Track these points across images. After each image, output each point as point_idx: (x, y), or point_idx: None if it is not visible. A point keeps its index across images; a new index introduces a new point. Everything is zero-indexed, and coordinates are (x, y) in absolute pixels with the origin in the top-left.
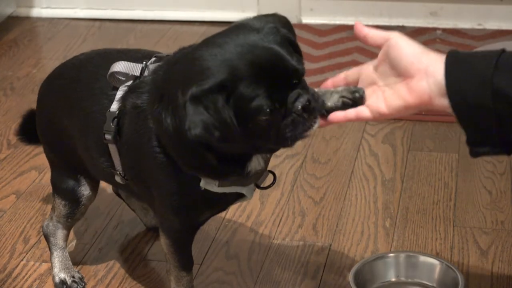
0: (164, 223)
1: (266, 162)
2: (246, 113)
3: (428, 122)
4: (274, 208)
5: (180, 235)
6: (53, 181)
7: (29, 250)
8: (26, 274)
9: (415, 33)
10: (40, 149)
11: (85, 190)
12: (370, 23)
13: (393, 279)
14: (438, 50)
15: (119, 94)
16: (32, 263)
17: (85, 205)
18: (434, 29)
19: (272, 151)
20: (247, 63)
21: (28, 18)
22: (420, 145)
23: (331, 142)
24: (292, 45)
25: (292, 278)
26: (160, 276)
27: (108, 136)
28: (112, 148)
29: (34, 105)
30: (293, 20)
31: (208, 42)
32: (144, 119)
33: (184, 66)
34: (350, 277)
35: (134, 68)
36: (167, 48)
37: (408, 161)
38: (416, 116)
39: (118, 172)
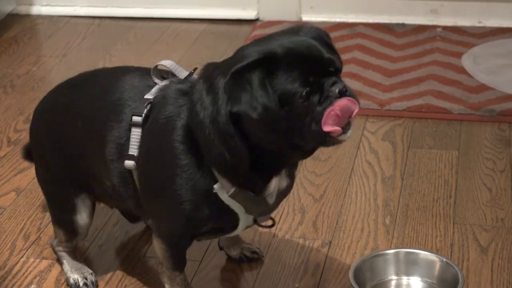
0: (161, 228)
1: (280, 195)
2: (283, 95)
3: (428, 120)
4: None
5: (177, 240)
6: (51, 214)
7: (29, 247)
8: (26, 271)
9: (415, 31)
10: None
11: (81, 219)
12: (371, 20)
13: (393, 276)
14: (439, 48)
15: (162, 83)
16: (32, 260)
17: (83, 233)
18: (434, 26)
19: (304, 153)
20: (285, 49)
21: (28, 16)
22: (420, 143)
23: None
24: (328, 46)
25: (292, 275)
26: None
27: (136, 118)
28: (135, 132)
29: (34, 103)
30: (293, 17)
31: (252, 41)
32: (176, 108)
33: (228, 60)
34: (351, 274)
35: (180, 70)
36: (167, 45)
37: (408, 159)
38: (416, 114)
39: (133, 156)
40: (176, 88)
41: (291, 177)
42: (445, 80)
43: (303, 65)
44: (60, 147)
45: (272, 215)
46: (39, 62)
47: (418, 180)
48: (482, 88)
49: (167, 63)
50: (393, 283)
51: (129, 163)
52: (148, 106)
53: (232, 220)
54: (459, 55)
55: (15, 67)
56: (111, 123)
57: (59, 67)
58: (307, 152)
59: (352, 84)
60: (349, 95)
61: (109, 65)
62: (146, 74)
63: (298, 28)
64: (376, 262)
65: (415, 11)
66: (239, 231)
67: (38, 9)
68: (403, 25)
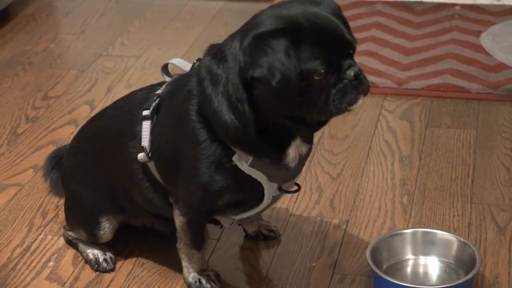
0: (181, 201)
1: (301, 160)
2: (303, 69)
3: (446, 99)
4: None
5: (195, 214)
6: (72, 215)
7: (47, 224)
8: (44, 248)
9: (433, 9)
10: (58, 123)
11: (104, 234)
12: None
13: (411, 256)
14: (457, 27)
15: (168, 79)
16: (50, 237)
17: (103, 241)
18: (453, 4)
19: (313, 126)
20: (310, 23)
21: None
22: (438, 122)
23: (348, 118)
24: (345, 24)
25: (309, 254)
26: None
27: (146, 112)
28: (146, 125)
29: (52, 80)
30: None
31: (269, 7)
32: (185, 92)
33: (243, 27)
34: (368, 253)
35: (186, 65)
36: (184, 23)
37: (426, 138)
38: (434, 93)
39: (144, 147)
40: (183, 77)
41: (310, 141)
42: (464, 59)
43: (326, 43)
44: (85, 177)
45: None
46: (57, 39)
47: (435, 160)
48: (501, 67)
49: (176, 62)
50: (410, 262)
51: (141, 155)
52: (157, 100)
53: (256, 191)
54: (477, 33)
55: (33, 44)
56: (126, 128)
57: (77, 44)
58: (313, 126)
59: (369, 62)
60: (362, 78)
61: (126, 42)
62: (155, 85)
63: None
64: (393, 242)
65: None
66: (265, 203)
67: None
68: (421, 3)
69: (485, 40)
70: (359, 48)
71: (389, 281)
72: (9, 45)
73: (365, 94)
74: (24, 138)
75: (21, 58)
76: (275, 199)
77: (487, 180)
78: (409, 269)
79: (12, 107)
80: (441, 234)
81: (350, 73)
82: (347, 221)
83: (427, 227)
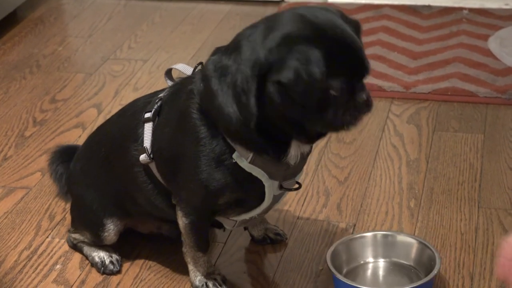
0: (183, 201)
1: (303, 159)
2: (327, 84)
3: (453, 103)
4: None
5: (198, 215)
6: (77, 218)
7: (55, 227)
8: (52, 251)
9: (441, 13)
10: (65, 126)
11: (108, 236)
12: (396, 2)
13: (370, 259)
14: (465, 30)
15: (170, 84)
16: (57, 240)
17: (108, 244)
18: (461, 8)
19: (312, 137)
20: (339, 39)
21: None
22: (445, 126)
23: None
24: (360, 41)
25: (316, 258)
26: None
27: (147, 115)
28: (147, 127)
29: (59, 83)
30: None
31: (293, 8)
32: (187, 92)
33: (265, 22)
34: (328, 257)
35: (189, 69)
36: (192, 26)
37: (433, 142)
38: (441, 97)
39: (145, 148)
40: (184, 80)
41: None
42: (471, 62)
43: (349, 62)
44: (90, 181)
45: (296, 197)
46: (64, 42)
47: (443, 164)
48: (509, 71)
49: (179, 67)
50: (370, 266)
51: (143, 156)
52: (159, 102)
53: (257, 190)
54: (485, 37)
55: (41, 47)
56: (128, 131)
57: (85, 47)
58: (312, 138)
59: (377, 66)
60: (370, 102)
61: (134, 45)
62: (158, 91)
63: (332, 9)
64: (353, 245)
65: None
66: (267, 202)
67: None
68: (429, 7)
69: (493, 44)
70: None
71: (349, 284)
72: (17, 48)
73: (367, 114)
74: (31, 141)
75: (29, 61)
76: (276, 199)
77: (494, 185)
78: (369, 272)
79: (20, 110)
80: (401, 236)
81: (362, 96)
82: (354, 225)
83: (388, 230)
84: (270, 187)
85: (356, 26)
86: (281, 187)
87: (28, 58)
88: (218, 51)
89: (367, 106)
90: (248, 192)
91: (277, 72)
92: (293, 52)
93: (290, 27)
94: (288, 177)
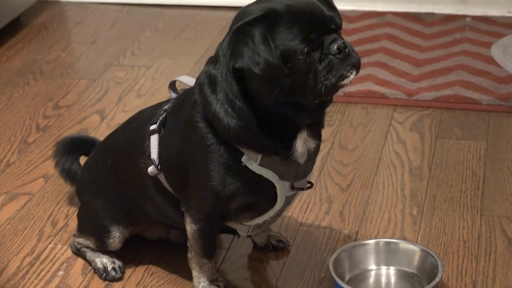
0: (193, 208)
1: (310, 156)
2: (284, 51)
3: (456, 110)
4: (301, 194)
5: (207, 221)
6: (84, 223)
7: (57, 234)
8: (54, 257)
9: (444, 20)
10: (68, 132)
11: (113, 242)
12: (400, 9)
13: (373, 266)
14: (468, 38)
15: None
16: (60, 246)
17: (113, 249)
18: (464, 16)
19: (313, 111)
20: (285, 7)
21: (57, 2)
22: (448, 133)
23: (358, 129)
24: (328, 4)
25: (318, 265)
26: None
27: (153, 127)
28: (154, 139)
29: (63, 89)
30: None
31: (253, 2)
32: (191, 102)
33: (230, 26)
34: (330, 264)
35: (192, 81)
36: (195, 33)
37: (436, 149)
38: (444, 104)
39: (153, 160)
40: (187, 92)
41: (318, 138)
42: (474, 70)
43: (304, 22)
44: (98, 189)
45: (299, 204)
46: (68, 48)
47: (445, 171)
48: (511, 78)
49: (183, 79)
50: (373, 273)
51: (151, 168)
52: (164, 114)
53: (269, 192)
54: (488, 45)
55: (44, 54)
56: (135, 144)
57: (88, 54)
58: (314, 112)
59: (380, 73)
60: (348, 51)
61: (137, 52)
62: (162, 103)
63: None
64: (356, 252)
65: (445, 1)
66: (279, 203)
67: None
68: (432, 14)
69: (496, 52)
70: (369, 59)
71: None
72: (21, 54)
73: (357, 68)
74: (34, 147)
75: (32, 67)
76: (289, 200)
77: (497, 192)
78: (371, 280)
79: (23, 116)
80: (403, 244)
81: (333, 47)
82: (357, 232)
83: (390, 238)
84: (282, 188)
85: None
86: (292, 187)
87: (31, 64)
88: (209, 61)
89: (348, 55)
90: (260, 195)
91: (234, 62)
92: (242, 38)
93: (242, 18)
94: (299, 176)
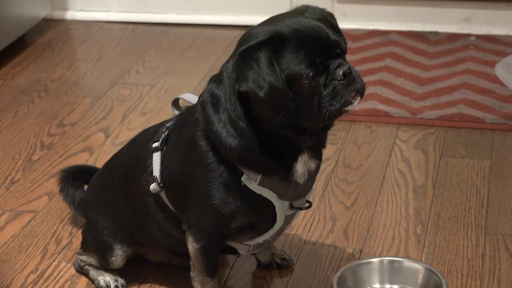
0: (194, 227)
1: (311, 177)
2: (290, 75)
3: (460, 129)
4: (305, 213)
5: (209, 239)
6: (87, 240)
7: (61, 251)
8: (58, 275)
9: (448, 39)
10: (73, 150)
11: (116, 260)
12: (403, 28)
13: (377, 285)
14: (472, 57)
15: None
16: (63, 264)
17: (115, 268)
18: (468, 35)
19: (315, 134)
20: (292, 30)
21: (62, 21)
22: (452, 152)
23: (363, 147)
24: (333, 28)
25: (323, 283)
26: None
27: (155, 144)
28: (156, 157)
29: (67, 107)
30: None
31: (258, 24)
32: (194, 121)
33: (235, 47)
34: (334, 282)
35: (195, 99)
36: (200, 51)
37: (440, 168)
38: (448, 123)
39: (155, 177)
40: (189, 109)
41: (319, 158)
42: (478, 89)
43: (310, 46)
44: (103, 208)
45: (303, 222)
46: (73, 66)
47: (450, 190)
48: None
49: (185, 96)
50: None
51: (153, 185)
52: (166, 132)
53: (268, 211)
54: (492, 64)
55: (49, 72)
56: (138, 163)
57: (93, 72)
58: (315, 135)
59: (384, 92)
60: (353, 77)
61: (142, 70)
62: (165, 121)
63: (303, 9)
64: (360, 271)
65: (448, 19)
66: (279, 223)
67: (72, 14)
68: (436, 33)
69: (500, 71)
70: (373, 77)
71: None
72: (26, 72)
73: (361, 93)
74: (39, 165)
75: (37, 85)
76: (288, 219)
77: (501, 211)
78: None
79: (28, 134)
80: (407, 262)
81: (339, 72)
82: (361, 250)
83: (394, 256)
84: (281, 207)
85: (324, 14)
86: (291, 206)
87: (36, 82)
88: (212, 79)
89: (353, 80)
90: (260, 215)
91: (239, 85)
92: (247, 61)
93: (248, 40)
94: (298, 196)
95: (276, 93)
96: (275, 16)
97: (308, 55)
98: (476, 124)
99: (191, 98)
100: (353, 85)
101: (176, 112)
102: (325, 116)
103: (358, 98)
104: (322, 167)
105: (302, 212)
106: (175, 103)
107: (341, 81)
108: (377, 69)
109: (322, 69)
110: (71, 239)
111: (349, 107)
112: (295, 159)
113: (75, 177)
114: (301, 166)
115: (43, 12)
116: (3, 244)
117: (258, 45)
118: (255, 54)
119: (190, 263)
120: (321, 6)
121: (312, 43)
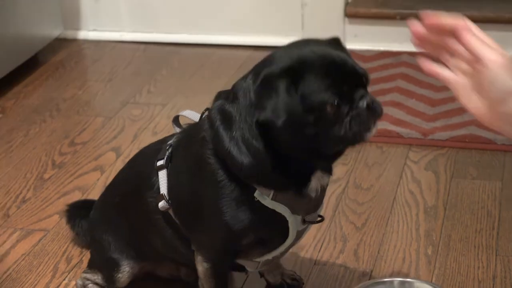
0: (204, 246)
1: (323, 191)
2: (313, 102)
3: (471, 150)
4: (315, 233)
5: (219, 258)
6: (93, 257)
7: (71, 270)
8: None
9: None
10: (84, 169)
11: (122, 277)
12: (415, 49)
13: None
14: None
15: (178, 130)
16: (74, 282)
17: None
18: None
19: (331, 157)
20: (317, 57)
21: (75, 41)
22: (463, 173)
23: (373, 168)
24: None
25: None
26: None
27: (160, 162)
28: (162, 175)
29: (79, 127)
30: None
31: (283, 46)
32: (201, 139)
33: (255, 67)
34: None
35: (197, 116)
36: (211, 72)
37: (451, 189)
38: (459, 144)
39: (163, 195)
40: (193, 127)
41: (330, 172)
42: None
43: (338, 74)
44: (108, 226)
45: (313, 242)
46: (84, 86)
47: (460, 211)
48: None
49: (186, 113)
50: None
51: (162, 203)
52: (170, 149)
53: (280, 226)
54: None
55: (61, 91)
56: (142, 180)
57: (104, 91)
58: (331, 158)
59: (395, 113)
60: (375, 108)
61: (153, 90)
62: (166, 137)
63: (322, 39)
64: None
65: None
66: (291, 238)
67: (85, 34)
68: None
69: None
70: (384, 98)
71: None
72: (38, 91)
73: (379, 120)
74: (50, 184)
75: (49, 104)
76: (300, 234)
77: None
78: None
79: (39, 153)
80: (418, 283)
81: (363, 104)
82: (371, 271)
83: (405, 277)
84: (294, 222)
85: (337, 43)
86: (304, 221)
87: (48, 102)
88: (220, 96)
89: (374, 111)
90: (272, 230)
91: (258, 115)
92: (268, 90)
93: (271, 65)
94: (310, 210)
95: (295, 120)
96: (301, 41)
97: (336, 83)
98: (487, 145)
99: (192, 115)
100: (374, 115)
101: (177, 129)
102: (344, 143)
103: (377, 125)
104: (333, 187)
105: (313, 233)
106: (176, 120)
107: (366, 111)
108: (388, 90)
109: (347, 98)
110: (82, 257)
111: (367, 135)
112: (308, 177)
113: (83, 206)
114: (315, 182)
115: (55, 31)
116: (14, 262)
117: (280, 72)
118: (275, 82)
119: (199, 283)
120: (332, 27)
121: (340, 71)
